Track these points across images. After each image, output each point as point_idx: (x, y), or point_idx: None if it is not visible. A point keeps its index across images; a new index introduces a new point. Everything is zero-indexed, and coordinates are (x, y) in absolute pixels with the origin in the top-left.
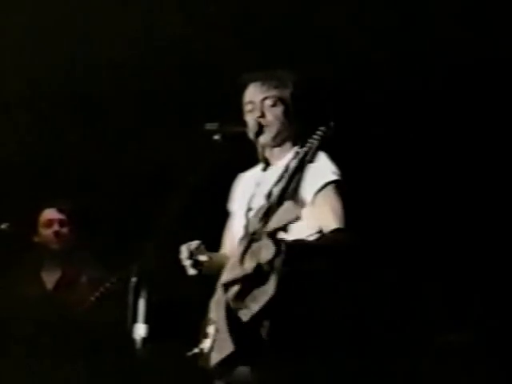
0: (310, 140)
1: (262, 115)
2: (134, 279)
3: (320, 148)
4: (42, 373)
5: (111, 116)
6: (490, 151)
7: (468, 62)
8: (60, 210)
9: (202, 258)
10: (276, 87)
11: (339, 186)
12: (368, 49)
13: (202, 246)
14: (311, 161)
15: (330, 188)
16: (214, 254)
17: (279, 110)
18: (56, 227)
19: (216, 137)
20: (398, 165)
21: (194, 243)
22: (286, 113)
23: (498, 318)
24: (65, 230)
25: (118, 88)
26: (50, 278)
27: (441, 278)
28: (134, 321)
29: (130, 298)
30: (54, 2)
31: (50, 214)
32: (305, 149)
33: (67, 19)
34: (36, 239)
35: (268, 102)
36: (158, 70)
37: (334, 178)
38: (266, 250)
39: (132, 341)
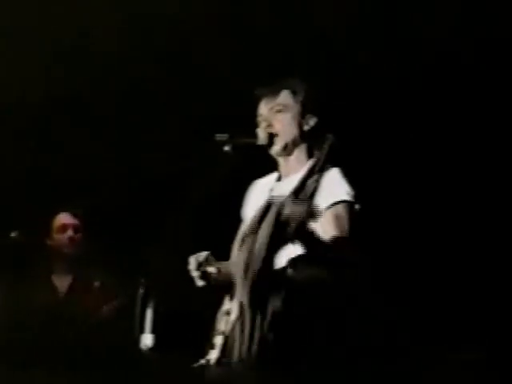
0: (318, 152)
1: (270, 124)
2: (141, 289)
3: (329, 160)
4: (45, 381)
5: (124, 125)
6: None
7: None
8: (74, 215)
9: (211, 269)
10: (283, 95)
11: (350, 206)
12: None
13: (211, 257)
14: (320, 171)
15: (340, 206)
16: (223, 263)
17: (286, 117)
18: (70, 232)
19: (226, 147)
20: (406, 177)
21: (203, 254)
22: (294, 120)
23: (510, 336)
24: (79, 235)
25: (131, 97)
26: (61, 283)
27: (453, 295)
28: (141, 331)
29: (138, 308)
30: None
31: (64, 218)
32: (314, 161)
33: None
34: (49, 242)
35: (275, 111)
36: (170, 81)
37: (347, 198)
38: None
39: (139, 350)
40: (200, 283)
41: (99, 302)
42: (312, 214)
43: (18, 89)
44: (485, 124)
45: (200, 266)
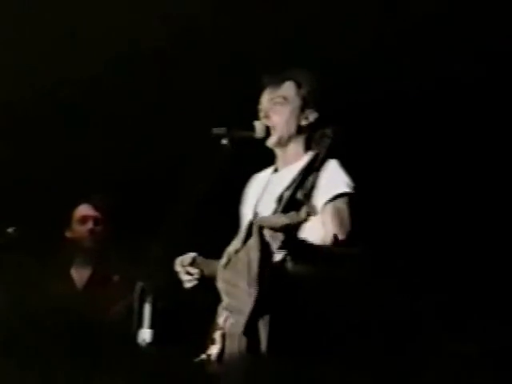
0: (319, 147)
1: (267, 116)
2: (139, 284)
3: (329, 154)
4: (43, 375)
5: (119, 120)
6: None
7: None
8: (95, 207)
9: (193, 271)
10: (286, 87)
11: (351, 198)
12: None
13: (199, 258)
14: (319, 168)
15: (341, 200)
16: (213, 263)
17: (285, 110)
18: (91, 225)
19: (224, 141)
20: (407, 174)
21: (188, 257)
22: (293, 114)
23: (506, 329)
24: (99, 228)
25: (128, 92)
26: (80, 276)
27: (449, 288)
28: (140, 326)
29: (136, 302)
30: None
31: (85, 210)
32: (313, 155)
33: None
34: (68, 234)
35: (274, 103)
36: (166, 74)
37: (347, 190)
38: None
39: (137, 346)
40: (188, 285)
41: (118, 296)
42: (299, 223)
43: (44, 83)
44: (483, 116)
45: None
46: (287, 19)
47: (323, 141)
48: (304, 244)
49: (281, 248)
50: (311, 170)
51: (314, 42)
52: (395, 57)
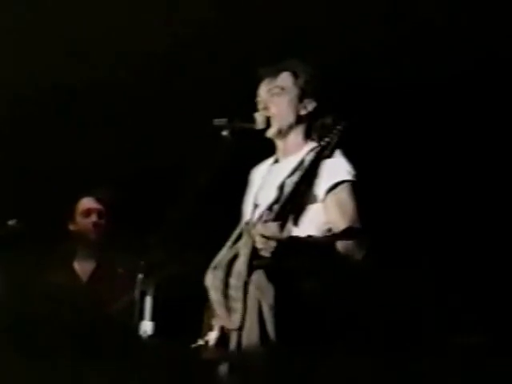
0: (329, 135)
1: (266, 107)
2: (140, 276)
3: (338, 143)
4: (45, 367)
5: (120, 115)
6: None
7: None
8: (98, 200)
9: None
10: (282, 77)
11: (352, 186)
12: (380, 42)
13: None
14: (329, 156)
15: (342, 187)
16: None
17: (283, 100)
18: (94, 218)
19: (224, 133)
20: (409, 162)
21: None
22: (291, 104)
23: (507, 327)
24: (103, 221)
25: (129, 87)
26: (84, 269)
27: (457, 278)
28: (141, 318)
29: (137, 295)
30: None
31: (88, 203)
32: (323, 143)
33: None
34: (72, 227)
35: (272, 94)
36: (167, 69)
37: (348, 177)
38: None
39: (138, 338)
40: None
41: (121, 289)
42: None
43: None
44: (484, 107)
45: None
46: (287, 18)
47: (334, 128)
48: (297, 245)
49: (273, 254)
50: (321, 158)
51: (313, 42)
52: (393, 48)
